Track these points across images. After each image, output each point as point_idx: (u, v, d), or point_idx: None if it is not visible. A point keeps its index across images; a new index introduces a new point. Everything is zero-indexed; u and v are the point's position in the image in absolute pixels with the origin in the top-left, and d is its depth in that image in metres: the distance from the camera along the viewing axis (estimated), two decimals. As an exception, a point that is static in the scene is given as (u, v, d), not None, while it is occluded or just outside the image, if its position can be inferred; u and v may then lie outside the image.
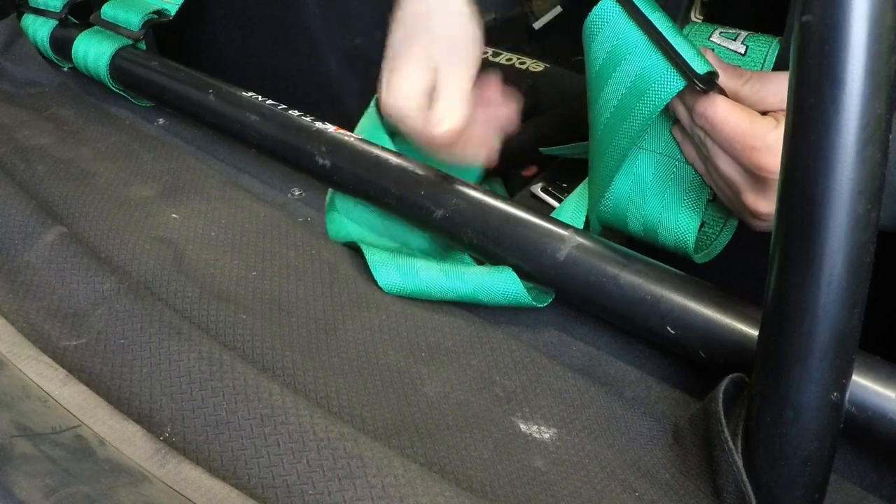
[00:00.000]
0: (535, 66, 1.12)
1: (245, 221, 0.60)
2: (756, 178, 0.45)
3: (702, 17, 0.58)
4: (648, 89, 0.46)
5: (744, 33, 0.54)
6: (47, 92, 0.79)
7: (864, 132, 0.30)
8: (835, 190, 0.30)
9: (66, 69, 0.84)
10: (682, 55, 0.45)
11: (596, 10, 0.48)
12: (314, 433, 0.37)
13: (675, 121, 0.50)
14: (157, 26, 0.79)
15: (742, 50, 0.53)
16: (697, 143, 0.49)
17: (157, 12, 0.79)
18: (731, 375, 0.40)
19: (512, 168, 1.04)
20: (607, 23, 0.47)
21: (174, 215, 0.60)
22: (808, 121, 0.31)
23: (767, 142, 0.44)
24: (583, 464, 0.41)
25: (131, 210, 0.60)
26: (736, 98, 0.47)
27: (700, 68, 0.45)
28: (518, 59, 1.15)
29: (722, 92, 0.46)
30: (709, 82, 0.45)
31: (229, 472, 0.37)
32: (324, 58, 0.98)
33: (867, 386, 0.38)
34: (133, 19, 0.78)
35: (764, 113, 0.46)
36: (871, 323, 0.36)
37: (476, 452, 0.41)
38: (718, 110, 0.45)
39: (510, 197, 1.00)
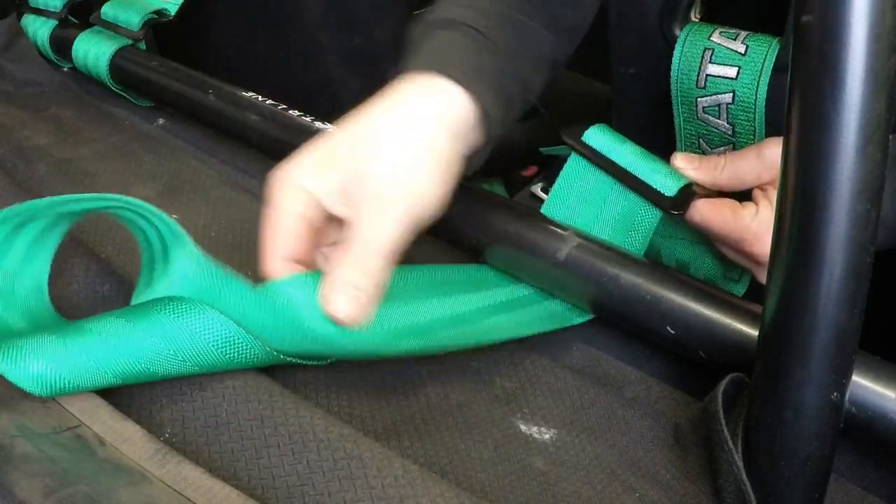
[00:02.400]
0: (536, 65, 1.12)
1: (245, 221, 0.59)
2: (757, 263, 0.46)
3: (699, 17, 0.58)
4: (631, 227, 0.49)
5: (744, 33, 0.54)
6: (47, 92, 0.79)
7: (864, 132, 0.30)
8: (835, 190, 0.30)
9: (66, 69, 0.84)
10: (651, 184, 0.47)
11: (564, 170, 0.51)
12: (314, 434, 0.37)
13: None
14: (157, 26, 0.79)
15: (742, 49, 0.53)
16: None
17: (157, 12, 0.79)
18: (731, 375, 0.40)
19: (512, 168, 1.04)
20: (578, 178, 0.51)
21: (174, 215, 0.60)
22: (808, 121, 0.30)
23: (752, 230, 0.46)
24: (583, 464, 0.41)
25: (131, 210, 0.60)
26: (717, 186, 0.49)
27: (671, 188, 0.47)
28: (518, 58, 1.15)
29: (702, 189, 0.48)
30: (682, 202, 0.47)
31: (229, 473, 0.37)
32: (324, 58, 0.98)
33: (867, 386, 0.38)
34: (133, 19, 0.78)
35: (748, 192, 0.48)
36: (871, 323, 0.36)
37: (476, 453, 0.41)
38: (702, 214, 0.47)
39: (510, 197, 1.00)
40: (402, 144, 0.42)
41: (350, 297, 0.39)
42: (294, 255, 0.41)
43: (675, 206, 0.47)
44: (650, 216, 0.48)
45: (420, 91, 0.44)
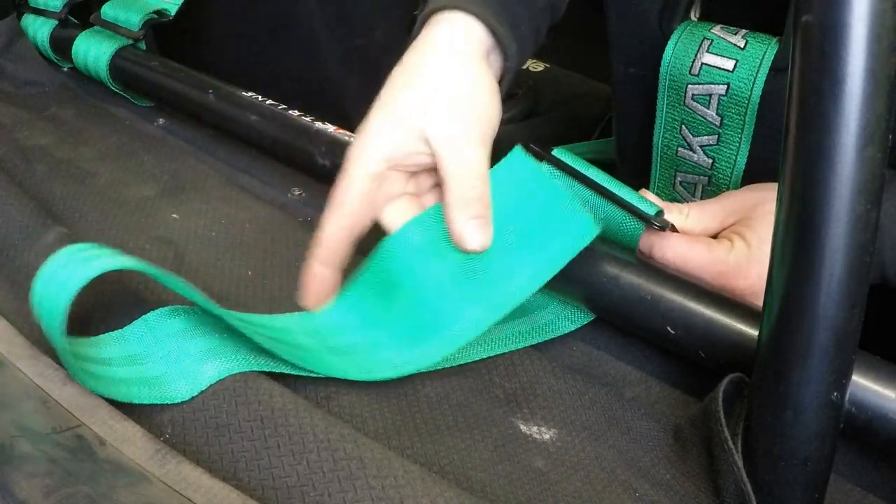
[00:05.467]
0: (535, 66, 1.12)
1: (245, 221, 0.59)
2: (734, 295, 0.46)
3: (698, 17, 0.58)
4: (613, 237, 0.48)
5: (744, 31, 0.54)
6: (47, 92, 0.79)
7: (864, 132, 0.30)
8: (835, 190, 0.30)
9: (66, 69, 0.84)
10: (630, 201, 0.46)
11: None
12: (314, 435, 0.37)
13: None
14: (157, 26, 0.79)
15: (742, 44, 0.53)
16: None
17: (157, 12, 0.79)
18: (731, 375, 0.40)
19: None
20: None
21: (174, 215, 0.60)
22: (808, 121, 0.30)
23: (730, 264, 0.46)
24: (583, 464, 0.41)
25: (131, 210, 0.60)
26: (683, 231, 0.49)
27: (649, 210, 0.46)
28: (518, 58, 1.15)
29: (673, 228, 0.47)
30: (663, 221, 0.46)
31: (229, 474, 0.37)
32: (324, 58, 0.98)
33: (867, 386, 0.38)
34: (133, 19, 0.78)
35: (714, 236, 0.48)
36: (871, 323, 0.36)
37: (476, 453, 0.41)
38: (676, 249, 0.47)
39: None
40: (453, 77, 0.45)
41: (479, 225, 0.44)
42: (351, 224, 0.46)
43: (658, 222, 0.46)
44: (632, 230, 0.47)
45: (443, 28, 0.47)
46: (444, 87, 0.45)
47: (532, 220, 0.47)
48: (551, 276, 0.46)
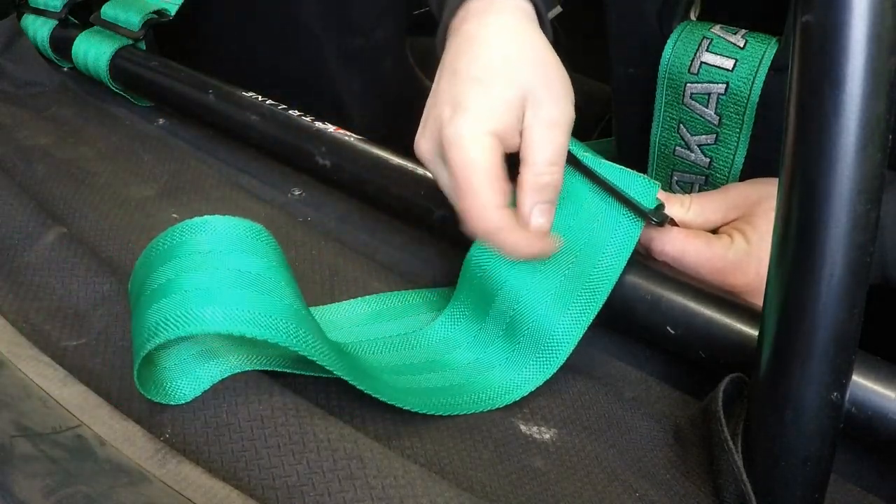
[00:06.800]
0: (536, 65, 1.12)
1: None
2: (732, 294, 0.46)
3: (697, 18, 0.58)
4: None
5: (744, 30, 0.54)
6: (47, 92, 0.79)
7: (864, 132, 0.30)
8: (835, 190, 0.30)
9: (66, 69, 0.84)
10: (629, 194, 0.46)
11: None
12: (314, 434, 0.37)
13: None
14: (157, 26, 0.79)
15: (741, 44, 0.53)
16: None
17: (157, 12, 0.79)
18: (731, 375, 0.40)
19: (511, 168, 1.04)
20: None
21: (174, 215, 0.60)
22: (808, 121, 0.31)
23: (729, 260, 0.45)
24: (583, 464, 0.41)
25: (131, 210, 0.60)
26: (683, 224, 0.48)
27: (650, 203, 0.46)
28: (518, 58, 1.15)
29: (672, 222, 0.47)
30: (662, 215, 0.46)
31: (229, 474, 0.36)
32: (324, 58, 0.98)
33: (867, 386, 0.38)
34: (133, 19, 0.78)
35: (714, 231, 0.48)
36: (871, 323, 0.36)
37: (476, 453, 0.41)
38: (676, 244, 0.46)
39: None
40: (543, 60, 0.45)
41: (544, 210, 0.44)
42: (505, 201, 0.43)
43: (656, 217, 0.46)
44: (630, 231, 0.46)
45: (507, 9, 0.46)
46: (539, 71, 0.44)
47: (597, 198, 0.47)
48: (635, 241, 0.46)
